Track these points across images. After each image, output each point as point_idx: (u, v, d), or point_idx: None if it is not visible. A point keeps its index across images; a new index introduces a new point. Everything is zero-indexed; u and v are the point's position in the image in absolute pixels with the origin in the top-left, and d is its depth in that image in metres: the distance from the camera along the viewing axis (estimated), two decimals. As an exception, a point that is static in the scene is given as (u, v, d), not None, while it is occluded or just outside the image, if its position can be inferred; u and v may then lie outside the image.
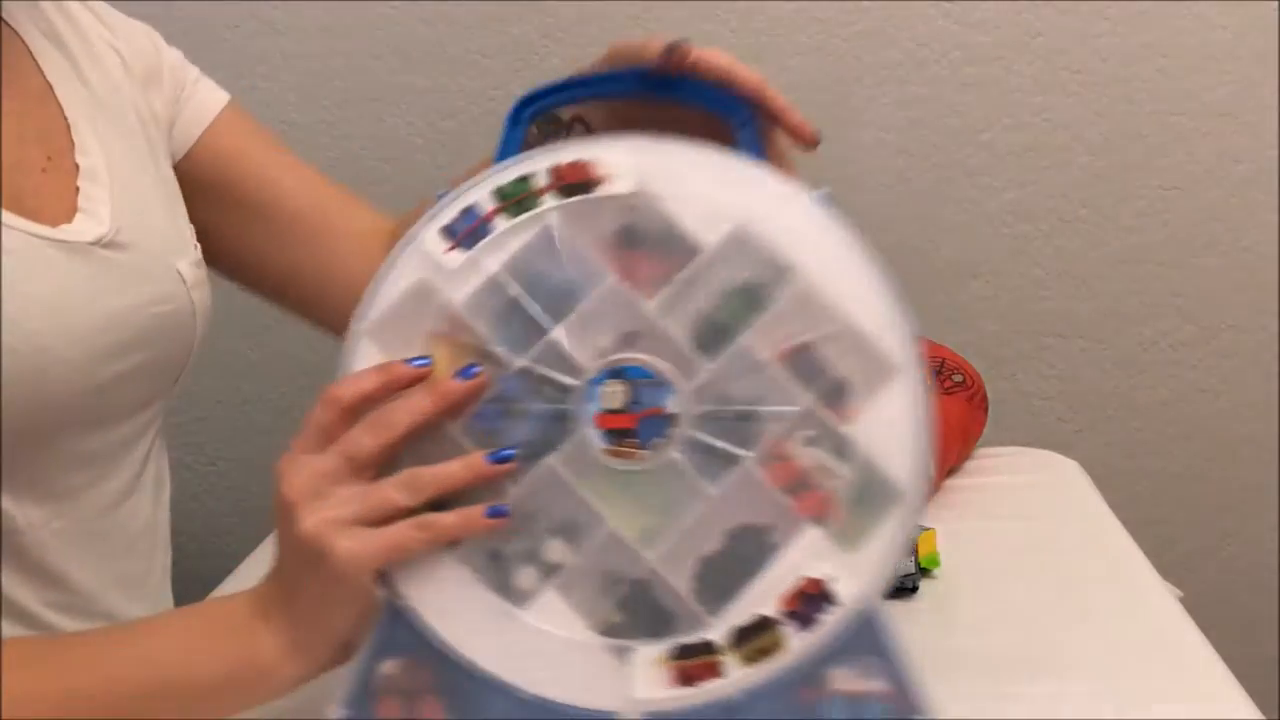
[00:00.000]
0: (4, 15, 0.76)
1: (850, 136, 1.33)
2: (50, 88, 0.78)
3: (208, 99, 0.89)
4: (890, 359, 0.62)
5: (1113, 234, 1.37)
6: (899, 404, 0.62)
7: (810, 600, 0.60)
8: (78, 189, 0.75)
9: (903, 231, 1.36)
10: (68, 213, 0.74)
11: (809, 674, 0.59)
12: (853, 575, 0.60)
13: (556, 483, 0.62)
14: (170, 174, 0.86)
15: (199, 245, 0.84)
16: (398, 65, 1.34)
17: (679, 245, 0.64)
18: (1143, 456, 1.45)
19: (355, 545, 0.59)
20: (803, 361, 0.62)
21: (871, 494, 0.61)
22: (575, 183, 0.65)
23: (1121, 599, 0.79)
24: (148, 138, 0.84)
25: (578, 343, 0.62)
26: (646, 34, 1.18)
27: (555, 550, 0.62)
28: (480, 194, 0.65)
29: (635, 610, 0.61)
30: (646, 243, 0.64)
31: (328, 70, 1.35)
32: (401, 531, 0.60)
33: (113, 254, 0.75)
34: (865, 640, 0.59)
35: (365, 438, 0.60)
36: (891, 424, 0.61)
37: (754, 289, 0.63)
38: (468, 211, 0.65)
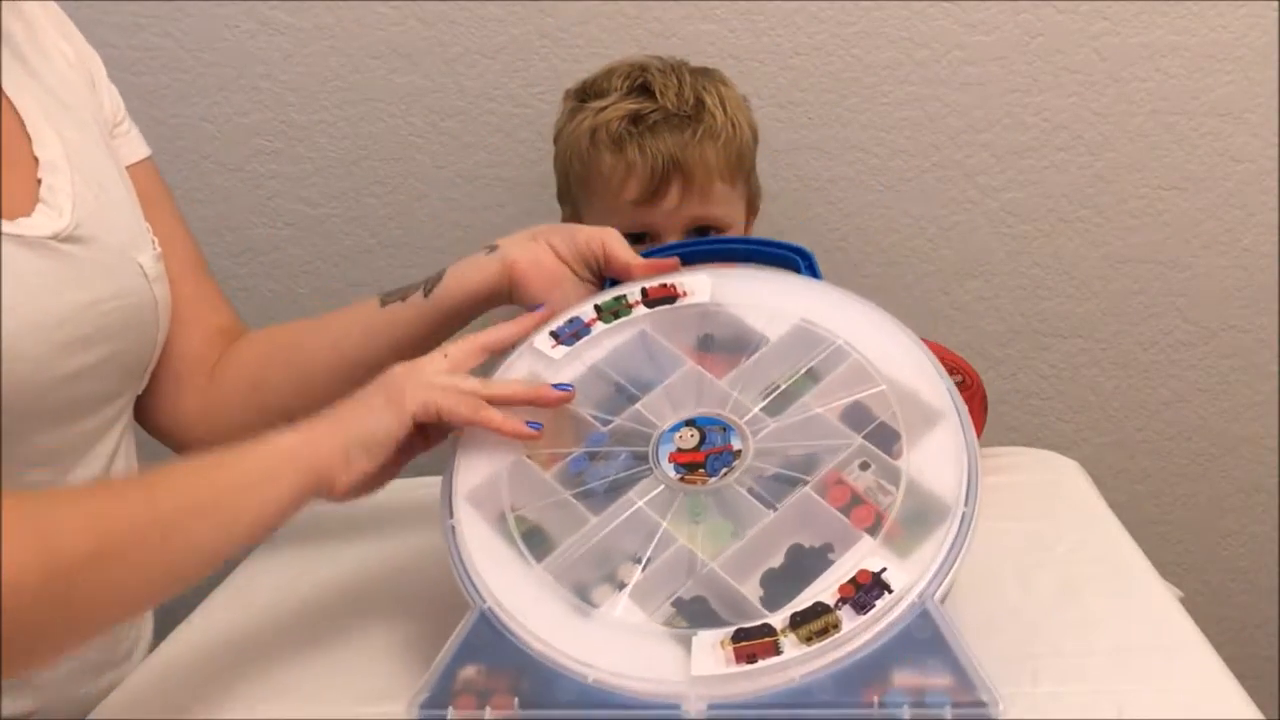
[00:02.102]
0: None
1: (850, 136, 1.33)
2: None
3: (136, 143, 0.89)
4: (933, 407, 0.70)
5: (1113, 234, 1.37)
6: (945, 441, 0.69)
7: (864, 588, 0.63)
8: (39, 181, 0.75)
9: (903, 231, 1.36)
10: (27, 206, 0.73)
11: (873, 673, 0.61)
12: (905, 571, 0.64)
13: (634, 512, 0.69)
14: (124, 169, 0.85)
15: (156, 241, 0.84)
16: (398, 65, 1.34)
17: (748, 342, 0.76)
18: (1143, 456, 1.45)
19: (418, 385, 0.71)
20: (856, 412, 0.71)
21: (922, 513, 0.66)
22: (661, 297, 0.80)
23: (1121, 599, 0.78)
24: (102, 132, 0.83)
25: (659, 412, 0.74)
26: (645, 34, 1.17)
27: (630, 571, 0.67)
28: (583, 309, 0.80)
29: (701, 615, 0.65)
30: (721, 347, 0.77)
31: (328, 70, 1.35)
32: (458, 395, 0.71)
33: (72, 248, 0.74)
34: (928, 643, 0.61)
35: (458, 345, 0.76)
36: (939, 454, 0.68)
37: (814, 368, 0.74)
38: (572, 320, 0.80)
